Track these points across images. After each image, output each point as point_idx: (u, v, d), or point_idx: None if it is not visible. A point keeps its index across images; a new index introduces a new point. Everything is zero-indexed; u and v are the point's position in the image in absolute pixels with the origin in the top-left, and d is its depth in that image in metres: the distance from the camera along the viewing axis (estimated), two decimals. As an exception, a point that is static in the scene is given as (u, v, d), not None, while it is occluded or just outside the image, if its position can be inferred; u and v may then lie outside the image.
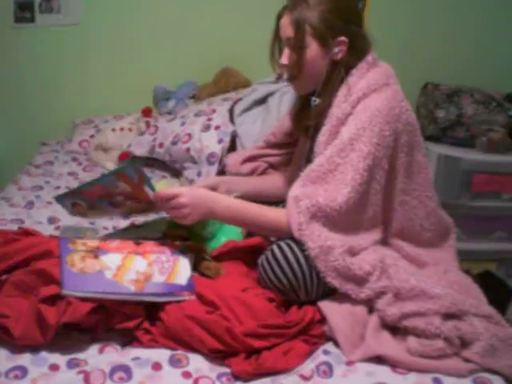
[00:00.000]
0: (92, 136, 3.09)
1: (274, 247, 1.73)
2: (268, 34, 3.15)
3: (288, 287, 1.70)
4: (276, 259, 1.70)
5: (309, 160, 1.88)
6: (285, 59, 1.83)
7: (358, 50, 1.81)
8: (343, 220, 1.73)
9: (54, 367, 1.49)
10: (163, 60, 3.29)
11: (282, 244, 1.73)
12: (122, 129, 3.01)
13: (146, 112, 3.18)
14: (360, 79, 1.79)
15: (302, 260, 1.69)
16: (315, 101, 1.87)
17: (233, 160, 2.45)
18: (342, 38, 1.77)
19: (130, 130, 3.02)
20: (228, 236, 1.98)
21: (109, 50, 3.27)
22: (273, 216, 1.79)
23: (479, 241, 3.07)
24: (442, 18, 3.29)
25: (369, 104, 1.74)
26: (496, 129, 2.98)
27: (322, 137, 1.80)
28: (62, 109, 3.32)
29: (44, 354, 1.53)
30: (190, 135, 2.71)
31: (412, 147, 1.83)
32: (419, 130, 1.87)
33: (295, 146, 2.20)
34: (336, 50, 1.78)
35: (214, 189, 2.00)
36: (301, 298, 1.73)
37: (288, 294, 1.72)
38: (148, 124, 3.03)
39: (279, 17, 1.84)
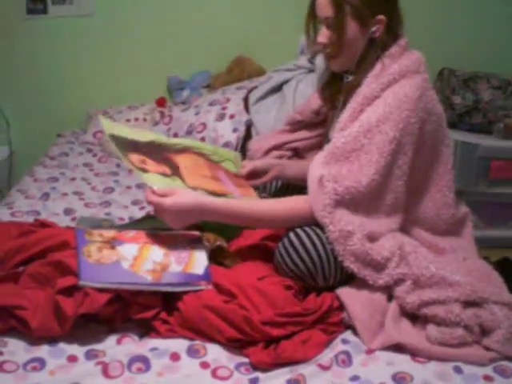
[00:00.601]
0: (107, 127, 3.08)
1: (291, 234, 1.72)
2: (281, 21, 3.17)
3: (306, 273, 1.69)
4: (293, 245, 1.70)
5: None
6: (323, 38, 1.81)
7: (394, 29, 1.79)
8: (365, 203, 1.71)
9: (72, 358, 1.50)
10: (177, 50, 3.28)
11: (299, 230, 1.72)
12: (136, 119, 3.01)
13: (160, 102, 3.17)
14: (393, 63, 1.77)
15: (320, 245, 1.69)
16: (348, 78, 1.86)
17: (257, 146, 2.42)
18: (381, 17, 1.75)
19: (144, 120, 3.02)
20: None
21: (122, 41, 3.26)
22: (287, 206, 1.77)
23: (497, 228, 3.04)
24: (460, 4, 3.26)
25: (398, 89, 1.72)
26: (513, 114, 2.95)
27: (345, 113, 1.79)
28: (76, 100, 3.32)
29: (62, 345, 1.53)
30: (204, 124, 2.71)
31: (436, 137, 1.81)
32: (445, 121, 1.85)
33: (323, 128, 2.17)
34: (374, 28, 1.76)
35: (265, 172, 2.01)
36: (319, 283, 1.72)
37: (306, 280, 1.71)
38: (162, 114, 3.02)
39: None
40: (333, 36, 1.78)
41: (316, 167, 1.75)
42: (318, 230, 1.71)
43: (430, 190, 1.87)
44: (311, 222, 1.71)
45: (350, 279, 1.73)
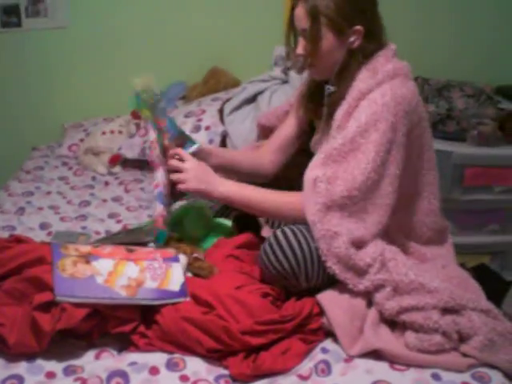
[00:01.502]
0: (82, 140, 3.06)
1: (278, 232, 1.73)
2: (256, 34, 3.19)
3: (289, 271, 1.70)
4: (278, 243, 1.71)
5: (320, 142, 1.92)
6: (300, 49, 1.82)
7: (375, 36, 1.80)
8: (356, 207, 1.72)
9: (51, 375, 1.49)
10: (152, 61, 3.27)
11: (286, 229, 1.73)
12: (112, 131, 2.99)
13: (136, 114, 3.15)
14: (386, 62, 1.78)
15: (305, 245, 1.70)
16: (329, 88, 1.87)
17: None
18: (358, 27, 1.76)
19: (119, 132, 3.00)
20: (219, 235, 1.98)
21: (97, 53, 3.25)
22: (285, 198, 1.81)
23: (472, 234, 3.06)
24: (435, 14, 3.30)
25: (395, 89, 1.73)
26: (486, 122, 2.97)
27: (341, 110, 1.79)
28: (51, 113, 3.30)
29: (40, 361, 1.52)
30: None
31: (422, 143, 1.83)
32: (429, 128, 1.88)
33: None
34: (352, 39, 1.77)
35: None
36: (301, 283, 1.73)
37: (288, 280, 1.72)
38: (138, 126, 3.01)
39: (293, 7, 1.82)
40: (309, 47, 1.79)
41: (313, 168, 1.76)
42: (305, 231, 1.73)
43: (417, 196, 1.89)
44: (303, 217, 1.73)
45: (330, 284, 1.74)
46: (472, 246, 3.06)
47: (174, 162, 1.87)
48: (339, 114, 1.79)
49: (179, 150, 1.89)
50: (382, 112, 1.70)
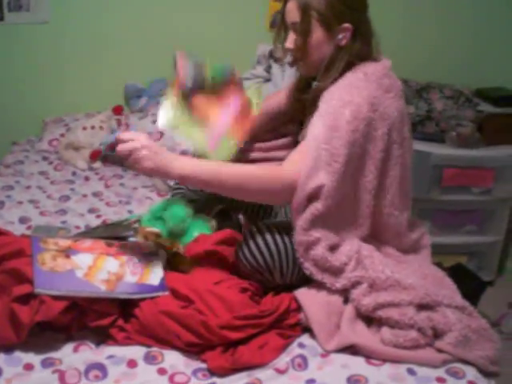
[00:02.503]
0: (62, 135, 3.05)
1: (253, 228, 1.76)
2: (239, 31, 3.20)
3: (264, 267, 1.72)
4: (254, 239, 1.73)
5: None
6: (290, 43, 1.83)
7: (363, 36, 1.81)
8: (334, 211, 1.73)
9: (29, 367, 1.49)
10: (134, 57, 3.27)
11: (261, 225, 1.76)
12: (92, 127, 2.98)
13: (117, 110, 3.15)
14: (382, 75, 1.79)
15: (280, 241, 1.73)
16: (316, 85, 1.87)
17: None
18: (347, 25, 1.77)
19: (101, 128, 2.99)
20: (199, 230, 1.98)
21: (79, 48, 3.23)
22: (270, 170, 1.78)
23: (450, 234, 3.10)
24: (408, 13, 3.33)
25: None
26: (465, 124, 3.01)
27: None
28: (32, 108, 3.27)
29: (18, 353, 1.52)
30: (161, 133, 2.71)
31: (390, 143, 1.81)
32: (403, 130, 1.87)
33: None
34: (340, 36, 1.78)
35: None
36: (276, 279, 1.75)
37: (263, 275, 1.74)
38: (119, 122, 3.01)
39: (286, 1, 1.83)
40: (298, 40, 1.80)
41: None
42: (280, 228, 1.75)
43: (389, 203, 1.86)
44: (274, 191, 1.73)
45: (307, 280, 1.76)
46: (449, 246, 3.10)
47: (123, 147, 1.68)
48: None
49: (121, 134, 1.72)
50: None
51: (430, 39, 3.41)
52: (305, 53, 1.82)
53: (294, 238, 1.72)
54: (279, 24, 1.90)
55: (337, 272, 1.72)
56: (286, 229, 1.76)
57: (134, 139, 1.67)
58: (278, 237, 1.74)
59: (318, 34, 1.78)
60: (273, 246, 1.72)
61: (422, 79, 3.17)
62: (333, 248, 1.74)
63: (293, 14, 1.79)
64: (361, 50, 1.81)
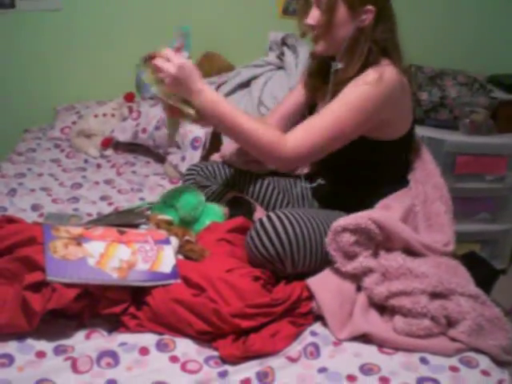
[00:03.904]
0: (74, 122, 3.06)
1: (264, 218, 1.75)
2: (250, 19, 3.18)
3: (275, 257, 1.71)
4: (264, 229, 1.72)
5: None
6: (311, 19, 1.83)
7: (385, 22, 1.81)
8: None
9: (41, 354, 1.49)
10: (146, 45, 3.22)
11: (272, 215, 1.75)
12: (104, 115, 2.99)
13: (129, 97, 3.15)
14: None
15: (290, 230, 1.71)
16: (337, 65, 1.87)
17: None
18: (370, 7, 1.76)
19: (112, 115, 2.99)
20: (211, 218, 1.98)
21: (90, 36, 3.23)
22: (269, 139, 1.77)
23: (463, 222, 3.08)
24: (426, 1, 3.30)
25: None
26: (478, 110, 2.98)
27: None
28: (44, 95, 3.28)
29: (30, 341, 1.53)
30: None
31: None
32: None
33: None
34: (363, 17, 1.78)
35: None
36: (287, 269, 1.74)
37: (274, 264, 1.73)
38: (131, 109, 3.01)
39: None
40: (321, 17, 1.80)
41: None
42: (291, 217, 1.74)
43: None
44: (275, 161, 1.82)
45: (318, 268, 1.76)
46: (462, 234, 3.07)
47: (158, 62, 1.77)
48: None
49: (167, 51, 1.79)
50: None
51: (444, 25, 3.39)
52: (327, 30, 1.81)
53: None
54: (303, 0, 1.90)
55: (351, 256, 1.72)
56: (299, 218, 1.76)
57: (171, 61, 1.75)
58: (288, 225, 1.72)
59: (341, 12, 1.78)
60: (283, 235, 1.71)
61: (436, 65, 3.15)
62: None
63: None
64: (382, 36, 1.80)
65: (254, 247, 1.73)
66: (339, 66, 1.87)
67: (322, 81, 1.99)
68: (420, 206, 1.92)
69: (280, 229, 1.71)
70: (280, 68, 2.82)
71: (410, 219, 1.86)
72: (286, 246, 1.70)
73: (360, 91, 1.75)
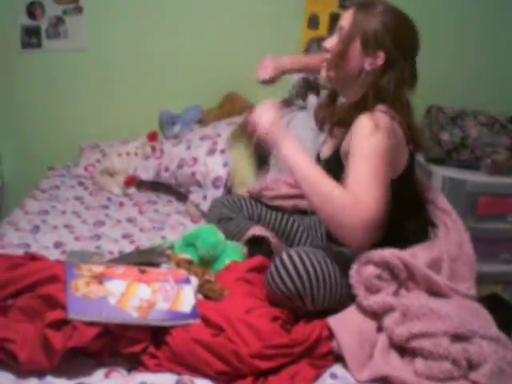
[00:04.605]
0: (98, 160, 3.10)
1: (284, 255, 1.75)
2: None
3: (294, 292, 1.71)
4: (284, 266, 1.72)
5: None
6: (328, 43, 1.90)
7: (391, 74, 1.82)
8: None
9: (61, 392, 1.49)
10: (169, 85, 3.31)
11: (292, 252, 1.75)
12: (127, 153, 3.03)
13: (152, 136, 3.20)
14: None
15: (310, 267, 1.72)
16: (340, 103, 1.96)
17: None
18: (381, 54, 1.81)
19: (135, 154, 3.03)
20: (231, 257, 1.99)
21: (115, 75, 3.29)
22: (338, 196, 1.69)
23: (485, 263, 3.03)
24: (445, 40, 3.33)
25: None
26: (500, 151, 2.99)
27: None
28: (69, 133, 3.34)
29: (50, 378, 1.53)
30: (195, 159, 2.73)
31: None
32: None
33: None
34: (372, 60, 1.82)
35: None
36: (307, 306, 1.74)
37: (294, 302, 1.73)
38: (153, 148, 3.05)
39: (347, 6, 1.94)
40: (337, 44, 1.86)
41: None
42: (311, 254, 1.75)
43: None
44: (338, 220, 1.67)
45: (339, 307, 1.76)
46: (484, 275, 3.04)
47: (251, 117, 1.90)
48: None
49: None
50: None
51: (464, 66, 3.40)
52: (337, 58, 1.86)
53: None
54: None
55: (373, 290, 1.73)
56: (318, 255, 1.76)
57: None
58: (308, 263, 1.73)
59: (355, 47, 1.83)
60: (303, 272, 1.71)
61: (457, 106, 3.16)
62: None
63: (345, 19, 1.87)
64: (385, 85, 1.82)
65: (274, 283, 1.73)
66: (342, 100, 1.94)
67: (328, 113, 2.04)
68: (447, 263, 1.89)
69: (300, 266, 1.72)
70: (302, 108, 2.84)
71: (434, 270, 1.85)
72: (305, 283, 1.71)
73: (368, 144, 1.73)
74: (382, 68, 1.82)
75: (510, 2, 3.38)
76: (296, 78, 2.89)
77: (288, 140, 1.81)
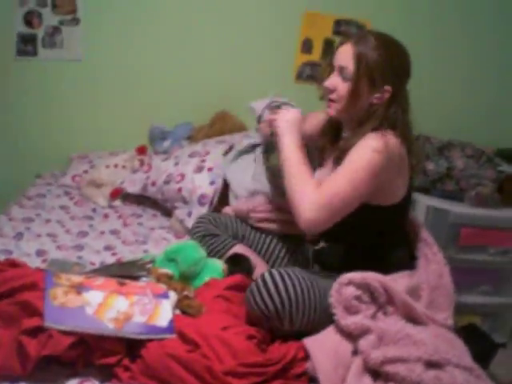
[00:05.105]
0: (86, 171, 3.11)
1: (266, 274, 1.77)
2: (265, 79, 3.25)
3: (274, 314, 1.73)
4: (265, 285, 1.74)
5: None
6: (330, 83, 1.90)
7: (398, 104, 1.87)
8: None
9: (32, 399, 1.49)
10: (161, 100, 3.33)
11: (274, 272, 1.77)
12: (115, 165, 3.04)
13: (141, 150, 3.21)
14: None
15: (291, 288, 1.74)
16: (345, 132, 1.98)
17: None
18: (388, 87, 1.84)
19: (123, 167, 3.04)
20: (210, 274, 2.00)
21: (108, 87, 3.30)
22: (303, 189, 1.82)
23: (464, 294, 3.07)
24: (433, 71, 3.37)
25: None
26: (485, 183, 3.01)
27: None
28: (59, 142, 3.34)
29: (22, 385, 1.53)
30: (183, 175, 2.74)
31: None
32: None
33: None
34: (378, 95, 1.85)
35: None
36: (285, 326, 1.75)
37: (272, 321, 1.74)
38: (142, 162, 3.06)
39: (341, 43, 1.91)
40: (342, 85, 1.86)
41: None
42: (293, 275, 1.77)
43: None
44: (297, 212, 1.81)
45: (316, 328, 1.78)
46: (463, 306, 3.07)
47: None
48: None
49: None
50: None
51: (452, 96, 3.44)
52: (344, 98, 1.87)
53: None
54: (326, 63, 2.00)
55: (352, 311, 1.76)
56: (299, 276, 1.78)
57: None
58: (289, 283, 1.75)
59: (362, 85, 1.84)
60: (283, 293, 1.73)
61: (444, 136, 3.19)
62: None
63: (345, 58, 1.86)
64: (393, 115, 1.86)
65: (254, 302, 1.75)
66: (346, 133, 1.95)
67: (330, 142, 2.08)
68: (426, 292, 1.94)
69: (281, 286, 1.74)
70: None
71: (413, 298, 1.88)
72: (285, 304, 1.72)
73: (369, 157, 1.78)
74: (389, 99, 1.85)
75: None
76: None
77: (293, 136, 1.93)
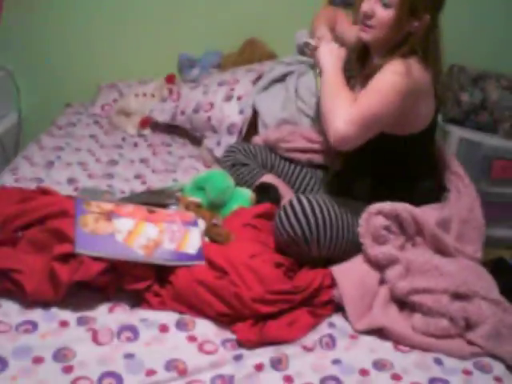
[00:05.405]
0: (115, 100, 3.10)
1: (294, 199, 1.79)
2: (295, 9, 3.17)
3: (301, 237, 1.75)
4: (293, 210, 1.76)
5: None
6: (370, 8, 1.82)
7: (432, 33, 1.82)
8: None
9: (64, 323, 1.54)
10: (190, 27, 3.28)
11: (302, 197, 1.79)
12: (144, 95, 3.02)
13: (170, 79, 3.18)
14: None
15: (318, 213, 1.76)
16: (379, 61, 1.90)
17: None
18: (427, 16, 1.78)
19: (152, 96, 3.03)
20: (239, 203, 2.01)
21: (137, 15, 3.25)
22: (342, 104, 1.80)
23: (495, 227, 3.04)
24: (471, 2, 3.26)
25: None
26: (519, 115, 2.95)
27: None
28: (87, 71, 3.32)
29: (55, 310, 1.57)
30: (211, 104, 2.72)
31: None
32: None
33: None
34: (417, 23, 1.79)
35: None
36: (312, 251, 1.77)
37: (300, 246, 1.76)
38: (171, 91, 3.04)
39: None
40: (384, 12, 1.79)
41: None
42: (321, 201, 1.79)
43: None
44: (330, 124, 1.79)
45: (343, 257, 1.80)
46: (494, 239, 3.04)
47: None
48: None
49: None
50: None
51: (491, 25, 3.33)
52: (384, 25, 1.82)
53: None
54: None
55: (380, 241, 1.76)
56: (328, 203, 1.80)
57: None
58: (317, 208, 1.77)
59: (402, 13, 1.78)
60: (311, 217, 1.75)
61: (480, 66, 3.11)
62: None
63: None
64: (427, 45, 1.82)
65: (281, 227, 1.77)
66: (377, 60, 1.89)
67: (358, 68, 2.03)
68: (456, 225, 1.92)
69: (308, 210, 1.75)
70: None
71: (442, 230, 1.87)
72: (312, 228, 1.74)
73: (393, 80, 1.75)
74: (426, 28, 1.80)
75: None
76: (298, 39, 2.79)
77: (333, 60, 1.94)
